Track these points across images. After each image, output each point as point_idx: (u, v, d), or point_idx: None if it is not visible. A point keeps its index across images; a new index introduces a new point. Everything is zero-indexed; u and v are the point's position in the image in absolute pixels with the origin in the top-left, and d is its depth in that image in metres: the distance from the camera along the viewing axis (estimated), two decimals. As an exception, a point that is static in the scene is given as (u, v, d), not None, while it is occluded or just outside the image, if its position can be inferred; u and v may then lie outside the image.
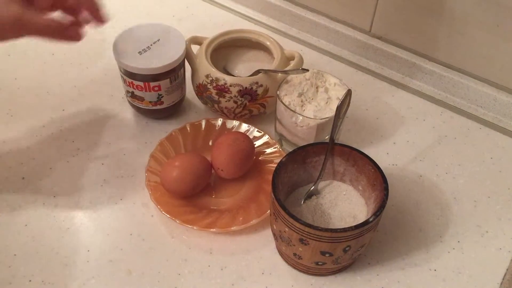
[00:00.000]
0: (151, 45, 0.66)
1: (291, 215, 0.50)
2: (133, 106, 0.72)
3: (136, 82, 0.66)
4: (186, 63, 0.70)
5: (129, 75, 0.66)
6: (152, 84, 0.66)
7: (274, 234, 0.56)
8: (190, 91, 0.74)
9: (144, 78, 0.66)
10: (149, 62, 0.64)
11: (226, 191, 0.64)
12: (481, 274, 0.58)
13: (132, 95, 0.69)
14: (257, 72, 0.67)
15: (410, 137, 0.72)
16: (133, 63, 0.64)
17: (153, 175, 0.62)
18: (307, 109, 0.63)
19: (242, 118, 0.70)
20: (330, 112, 0.63)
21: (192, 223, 0.58)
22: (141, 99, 0.68)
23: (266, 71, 0.67)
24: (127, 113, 0.73)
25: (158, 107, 0.70)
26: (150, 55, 0.65)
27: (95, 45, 0.82)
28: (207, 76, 0.67)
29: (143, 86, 0.66)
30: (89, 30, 0.61)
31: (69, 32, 0.57)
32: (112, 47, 0.66)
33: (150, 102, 0.69)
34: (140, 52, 0.65)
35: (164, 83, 0.67)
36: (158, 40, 0.67)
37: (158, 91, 0.67)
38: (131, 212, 0.62)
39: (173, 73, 0.67)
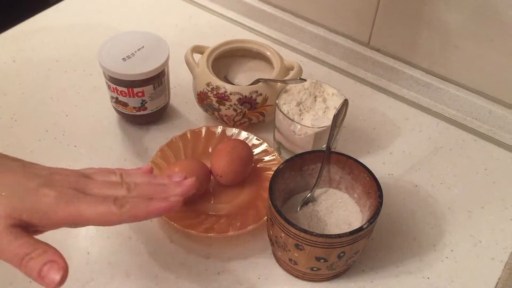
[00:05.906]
0: (136, 51, 0.67)
1: (287, 220, 0.51)
2: (117, 111, 0.72)
3: (120, 88, 0.67)
4: (172, 70, 0.71)
5: (113, 81, 0.67)
6: (135, 90, 0.67)
7: (270, 240, 0.57)
8: (191, 99, 0.75)
9: (128, 84, 0.67)
10: (132, 68, 0.65)
11: (225, 197, 0.65)
12: (474, 283, 0.59)
13: (116, 101, 0.70)
14: (257, 81, 0.69)
15: (406, 147, 0.73)
16: (116, 69, 0.65)
17: (153, 180, 0.63)
18: (305, 118, 0.65)
19: (242, 126, 0.71)
20: (328, 121, 0.64)
21: (190, 227, 0.59)
22: (125, 104, 0.69)
23: (265, 80, 0.68)
24: (129, 119, 0.75)
25: (142, 112, 0.71)
26: (133, 62, 0.66)
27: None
28: (208, 84, 0.68)
29: (126, 92, 0.67)
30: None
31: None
32: (97, 53, 0.67)
33: (134, 107, 0.70)
34: (124, 58, 0.66)
35: (148, 89, 0.68)
36: (143, 47, 0.68)
37: (142, 97, 0.68)
38: (131, 216, 0.63)
39: (157, 79, 0.68)
